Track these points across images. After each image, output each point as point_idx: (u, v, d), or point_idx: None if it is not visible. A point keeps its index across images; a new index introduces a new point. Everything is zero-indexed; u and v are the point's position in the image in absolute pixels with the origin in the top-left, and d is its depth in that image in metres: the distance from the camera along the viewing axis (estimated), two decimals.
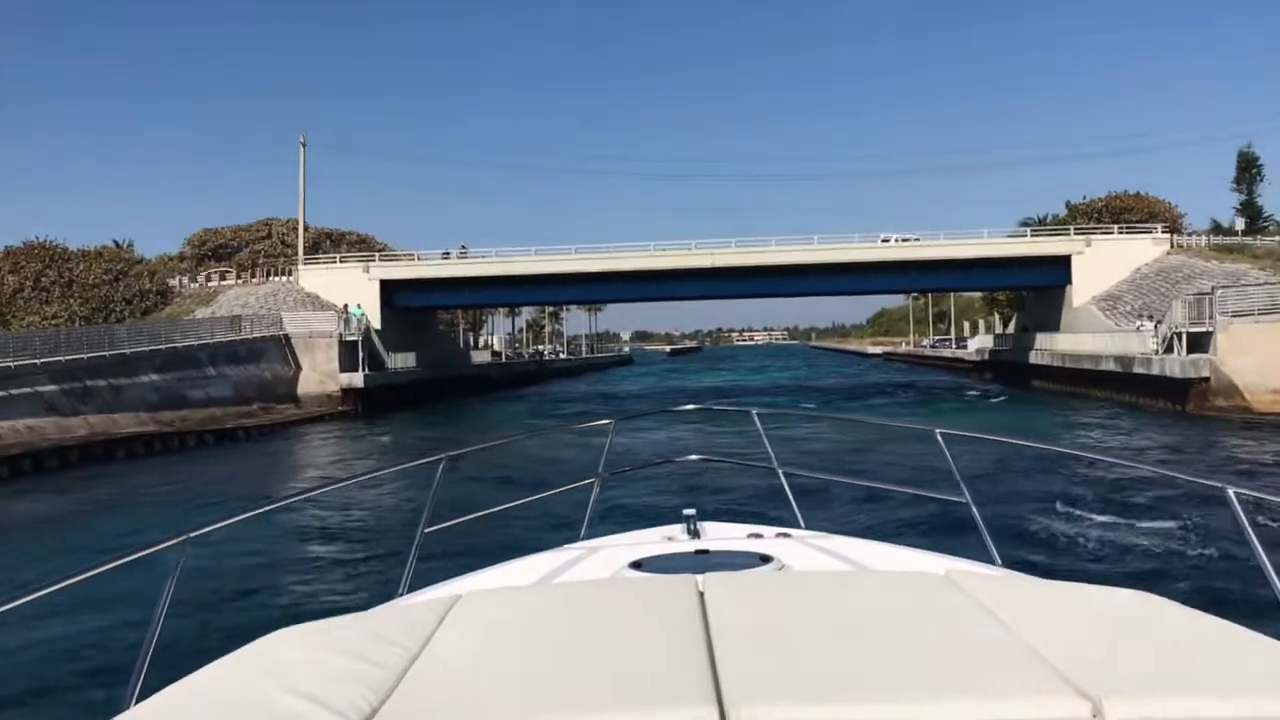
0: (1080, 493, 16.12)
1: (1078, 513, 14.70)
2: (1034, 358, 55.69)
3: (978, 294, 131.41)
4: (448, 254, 57.17)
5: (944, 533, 6.98)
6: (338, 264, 58.03)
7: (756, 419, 4.74)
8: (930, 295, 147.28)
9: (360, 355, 50.56)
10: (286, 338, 50.75)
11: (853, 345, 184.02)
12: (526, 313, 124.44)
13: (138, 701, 2.05)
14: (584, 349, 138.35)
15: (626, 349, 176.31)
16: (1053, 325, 55.34)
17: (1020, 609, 2.19)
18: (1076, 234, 55.15)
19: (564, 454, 20.22)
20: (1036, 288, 57.64)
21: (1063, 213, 70.44)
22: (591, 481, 4.59)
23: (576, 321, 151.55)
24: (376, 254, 59.41)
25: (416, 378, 54.99)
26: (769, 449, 4.62)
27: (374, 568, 12.85)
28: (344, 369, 49.97)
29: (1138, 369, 40.29)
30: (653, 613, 2.28)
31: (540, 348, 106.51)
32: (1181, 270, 50.19)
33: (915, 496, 4.81)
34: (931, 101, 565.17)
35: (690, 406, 5.86)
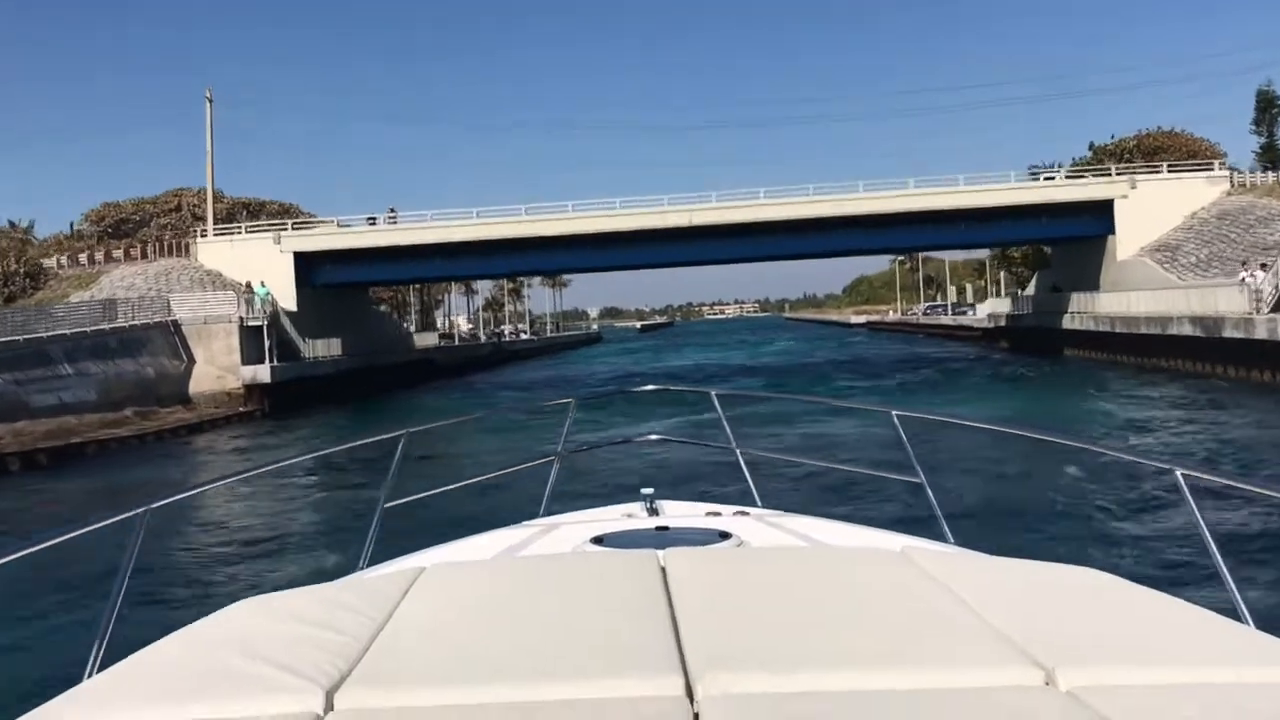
0: (1034, 473, 16.21)
1: (1031, 493, 14.91)
2: (1068, 322, 47.45)
3: (961, 257, 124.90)
4: (374, 219, 47.89)
5: (899, 512, 6.90)
6: (243, 236, 48.69)
7: (715, 400, 4.71)
8: (917, 258, 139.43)
9: (266, 343, 41.46)
10: (175, 325, 41.65)
11: (832, 315, 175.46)
12: (486, 289, 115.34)
13: (99, 670, 2.06)
14: (549, 328, 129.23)
15: (595, 327, 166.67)
16: (1089, 284, 47.13)
17: (974, 584, 2.24)
18: (1119, 174, 46.67)
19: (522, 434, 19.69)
20: (1069, 240, 49.28)
21: (1083, 156, 62.00)
22: (551, 459, 4.61)
23: (540, 298, 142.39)
24: (289, 223, 49.99)
25: (341, 368, 45.97)
26: (727, 429, 4.57)
27: (334, 541, 13.16)
28: (247, 360, 40.98)
29: (1231, 332, 32.02)
30: (616, 587, 2.30)
31: (500, 328, 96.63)
32: (1251, 213, 41.96)
33: (872, 477, 4.98)
34: (914, 33, 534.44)
35: (650, 387, 5.72)
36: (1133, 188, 45.49)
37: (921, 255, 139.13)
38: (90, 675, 2.05)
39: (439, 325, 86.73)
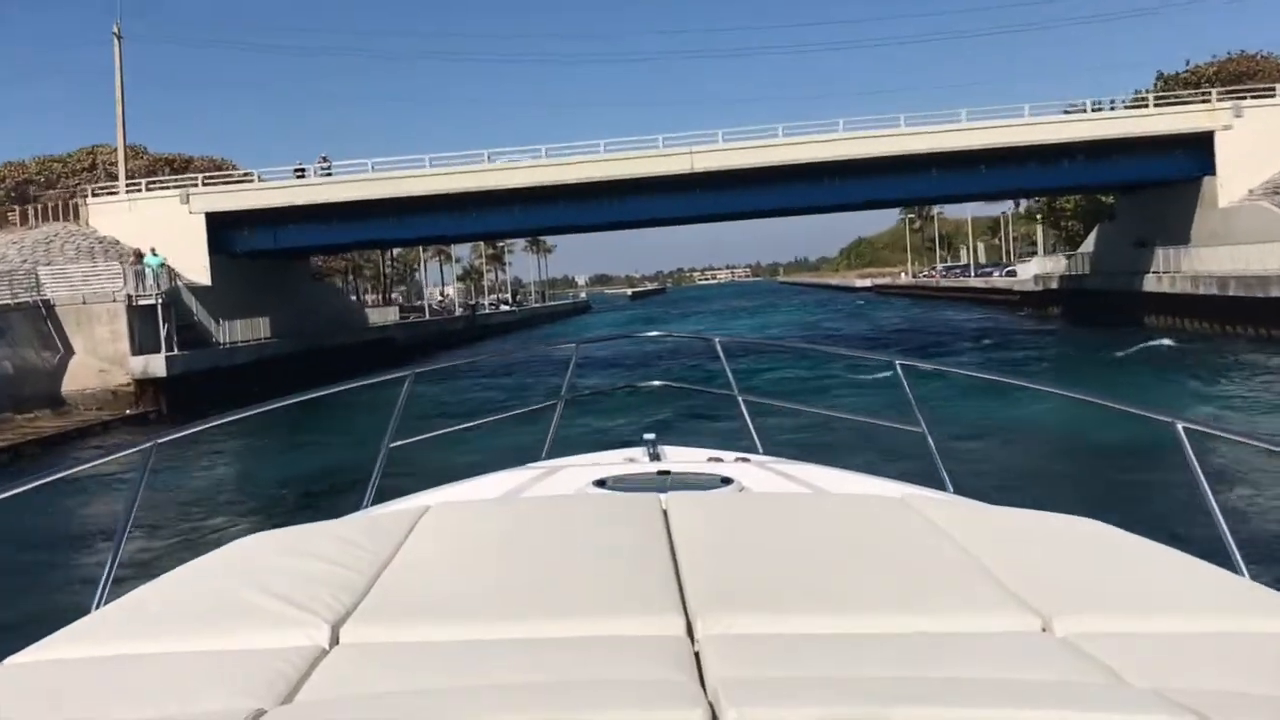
0: (1035, 424, 16.08)
1: (1031, 444, 15.23)
2: (1152, 284, 38.96)
3: (986, 211, 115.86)
4: (302, 171, 38.81)
5: (900, 461, 6.34)
6: (144, 195, 39.75)
7: (719, 346, 4.64)
8: (931, 216, 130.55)
9: (163, 326, 32.80)
10: (47, 305, 33.07)
11: (833, 279, 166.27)
12: (468, 256, 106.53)
13: (106, 603, 2.07)
14: (532, 297, 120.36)
15: (583, 295, 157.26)
16: (1174, 237, 38.61)
17: (973, 532, 2.26)
18: (1220, 100, 37.94)
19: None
20: (1149, 184, 40.57)
21: (1146, 88, 53.03)
22: (554, 403, 4.53)
23: (526, 266, 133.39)
24: (200, 177, 41.00)
25: (268, 354, 37.31)
26: (730, 376, 4.51)
27: (339, 480, 13.83)
28: (139, 349, 32.43)
29: None
30: (618, 528, 2.33)
31: (474, 299, 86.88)
32: None
33: (873, 425, 4.96)
34: None
35: (653, 333, 5.71)
36: (1238, 116, 36.84)
37: (936, 212, 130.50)
38: (97, 607, 2.07)
39: (424, 297, 78.21)
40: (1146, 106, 41.21)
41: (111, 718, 1.52)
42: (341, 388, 3.87)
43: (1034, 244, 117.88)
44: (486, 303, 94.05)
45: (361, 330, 50.59)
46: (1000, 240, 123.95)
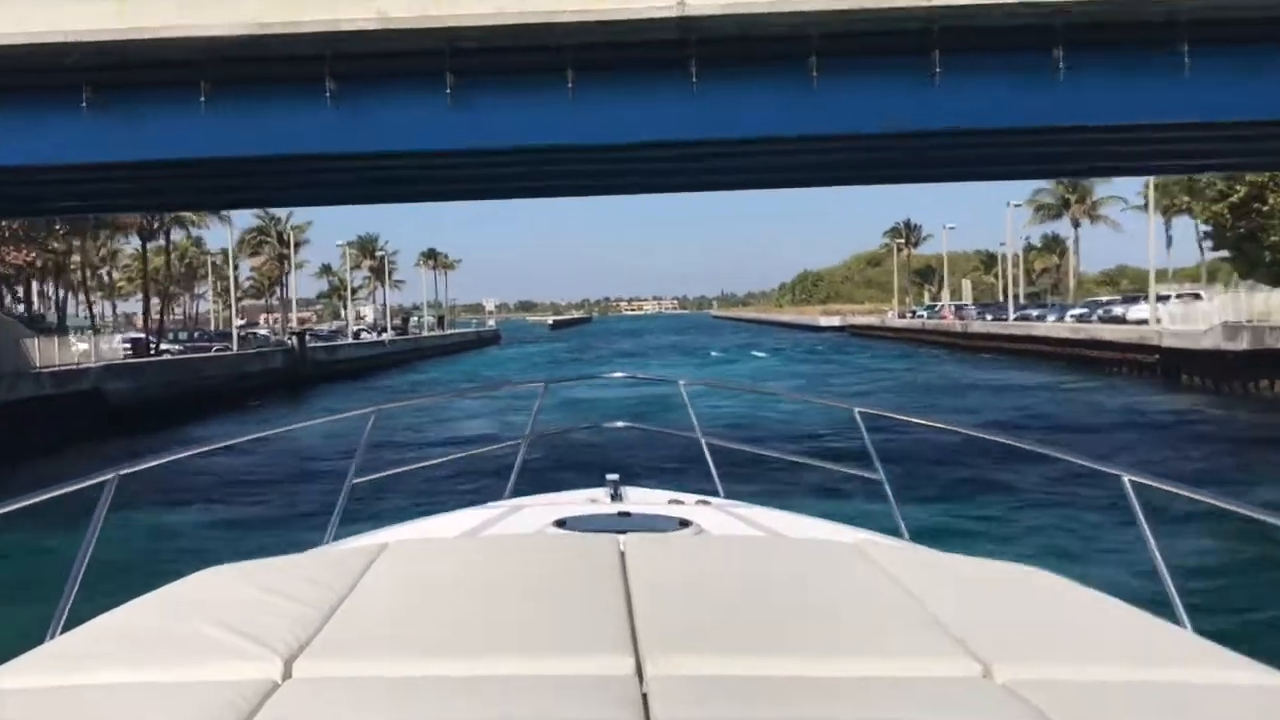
0: (988, 473, 16.42)
1: (984, 492, 15.31)
2: None
3: (942, 250, 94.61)
4: None
5: (858, 506, 6.86)
6: None
7: (683, 390, 4.71)
8: (915, 243, 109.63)
9: None
10: None
11: (786, 315, 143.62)
12: (333, 265, 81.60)
13: (63, 631, 2.07)
14: (426, 324, 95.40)
15: (492, 323, 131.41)
16: None
17: (922, 579, 2.28)
18: None
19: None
20: None
21: None
22: (519, 442, 4.58)
23: (419, 285, 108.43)
24: None
25: None
26: (694, 419, 4.56)
27: (301, 515, 13.46)
28: None
29: None
30: (575, 569, 2.35)
31: (312, 326, 59.59)
32: None
33: (833, 471, 4.90)
34: None
35: (619, 374, 7.89)
36: None
37: (922, 235, 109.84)
38: (51, 638, 2.07)
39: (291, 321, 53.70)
40: None
41: None
42: (308, 424, 5.03)
43: (1038, 283, 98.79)
44: (351, 330, 69.26)
45: (17, 377, 26.22)
46: (1001, 276, 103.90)
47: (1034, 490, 15.12)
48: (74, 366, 29.98)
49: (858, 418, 3.74)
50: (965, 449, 17.51)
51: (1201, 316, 35.12)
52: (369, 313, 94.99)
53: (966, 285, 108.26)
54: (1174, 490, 2.73)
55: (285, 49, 15.04)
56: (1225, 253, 48.82)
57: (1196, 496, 2.71)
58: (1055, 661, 1.81)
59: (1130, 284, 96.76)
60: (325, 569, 2.32)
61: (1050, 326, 49.78)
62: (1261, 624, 8.88)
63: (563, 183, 22.95)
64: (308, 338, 59.62)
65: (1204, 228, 53.75)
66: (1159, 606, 2.27)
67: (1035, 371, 44.98)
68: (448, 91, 15.20)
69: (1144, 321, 46.00)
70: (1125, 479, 2.58)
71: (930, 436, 17.49)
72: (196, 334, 54.21)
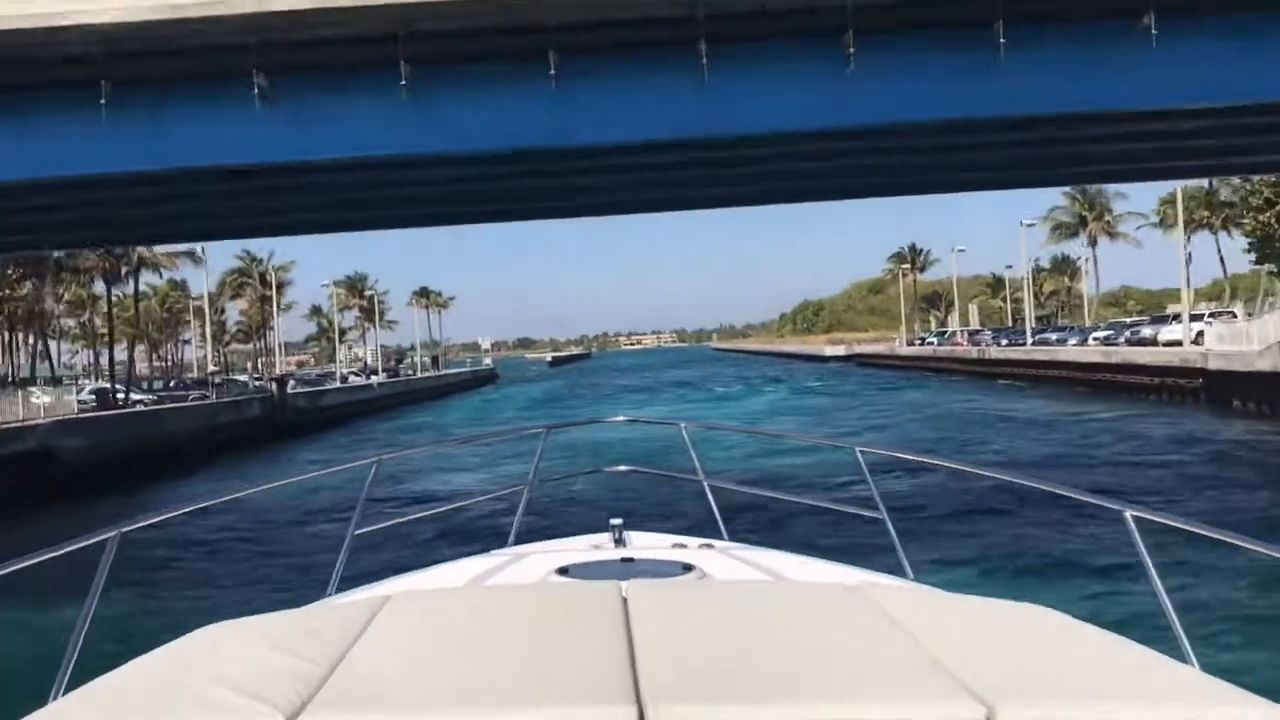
0: (993, 511, 16.28)
1: (988, 530, 15.10)
2: None
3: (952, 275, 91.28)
4: None
5: (861, 546, 6.75)
6: None
7: (684, 433, 4.68)
8: (922, 267, 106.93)
9: None
10: None
11: (790, 346, 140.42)
12: (323, 305, 78.85)
13: (66, 692, 2.08)
14: (419, 365, 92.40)
15: (488, 361, 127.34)
16: None
17: (925, 620, 2.28)
18: None
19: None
20: None
21: None
22: (521, 488, 4.59)
23: (412, 324, 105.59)
24: None
25: None
26: (696, 462, 4.53)
27: (304, 568, 13.25)
28: None
29: None
30: (577, 617, 2.34)
31: (293, 373, 55.66)
32: None
33: (835, 512, 4.93)
34: None
35: (620, 418, 5.98)
36: None
37: (915, 266, 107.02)
38: (55, 698, 2.08)
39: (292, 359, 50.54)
40: None
41: None
42: (310, 475, 4.45)
43: (1046, 305, 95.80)
44: (339, 373, 66.23)
45: None
46: (1005, 300, 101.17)
47: (1036, 526, 14.90)
48: (17, 424, 27.09)
49: (859, 458, 3.79)
50: (969, 487, 17.63)
51: (1255, 335, 32.15)
52: (366, 355, 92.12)
53: (973, 310, 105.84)
54: (1177, 525, 2.74)
55: (202, 38, 12.27)
56: (1271, 266, 45.92)
57: (1201, 531, 2.70)
58: (1060, 702, 1.79)
59: (1136, 305, 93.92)
60: (327, 623, 2.31)
61: (1077, 351, 46.75)
62: (1269, 660, 8.50)
63: (552, 203, 20.11)
64: (292, 383, 56.93)
65: (1240, 241, 51.16)
66: (1166, 644, 2.26)
67: (1062, 400, 41.99)
68: (402, 84, 12.32)
69: (1176, 343, 43.23)
70: (1128, 514, 2.61)
71: (930, 475, 17.42)
72: (174, 382, 51.05)
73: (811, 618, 2.31)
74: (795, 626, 2.23)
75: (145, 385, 50.05)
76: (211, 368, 54.43)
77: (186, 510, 3.63)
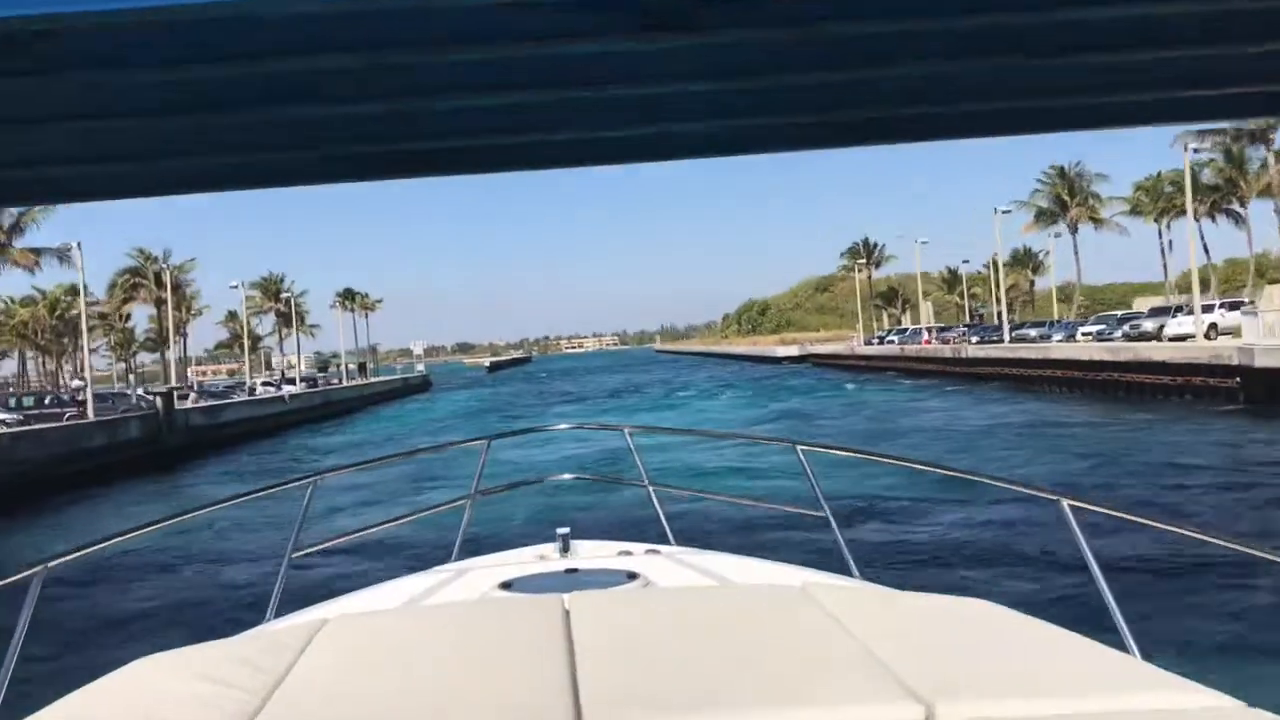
0: (932, 504, 16.33)
1: (928, 523, 15.08)
2: None
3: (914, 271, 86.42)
4: None
5: (807, 545, 6.46)
6: None
7: (628, 437, 4.66)
8: (870, 264, 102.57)
9: None
10: None
11: (737, 346, 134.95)
12: (236, 312, 71.88)
13: None
14: (344, 372, 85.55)
15: (420, 367, 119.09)
16: None
17: (867, 619, 2.26)
18: None
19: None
20: None
21: None
22: (464, 502, 4.52)
23: (341, 329, 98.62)
24: None
25: None
26: (641, 468, 4.56)
27: (241, 592, 13.05)
28: None
29: None
30: (518, 633, 2.31)
31: (173, 387, 46.91)
32: None
33: (781, 511, 4.85)
34: None
35: (563, 425, 6.08)
36: None
37: (870, 262, 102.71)
38: None
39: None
40: None
41: None
42: (245, 497, 3.77)
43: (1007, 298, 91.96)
44: (248, 383, 59.44)
45: None
46: (962, 296, 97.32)
47: (975, 517, 15.02)
48: None
49: (800, 455, 3.79)
50: (907, 480, 17.43)
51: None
52: (300, 363, 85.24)
53: (927, 307, 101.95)
54: (1114, 513, 2.78)
55: None
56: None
57: (1137, 519, 2.71)
58: (1000, 697, 1.78)
59: (1085, 300, 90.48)
60: (263, 650, 2.24)
61: (1075, 348, 42.19)
62: (1209, 647, 8.32)
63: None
64: (193, 396, 50.28)
65: (1224, 226, 47.19)
66: (1106, 633, 2.25)
67: (1064, 403, 37.39)
68: None
69: (1185, 337, 38.90)
70: (1064, 503, 2.61)
71: (872, 469, 17.71)
72: (48, 397, 44.27)
73: (754, 621, 2.30)
74: (737, 631, 2.22)
75: (14, 402, 43.29)
76: (76, 381, 47.37)
77: (113, 540, 3.02)
